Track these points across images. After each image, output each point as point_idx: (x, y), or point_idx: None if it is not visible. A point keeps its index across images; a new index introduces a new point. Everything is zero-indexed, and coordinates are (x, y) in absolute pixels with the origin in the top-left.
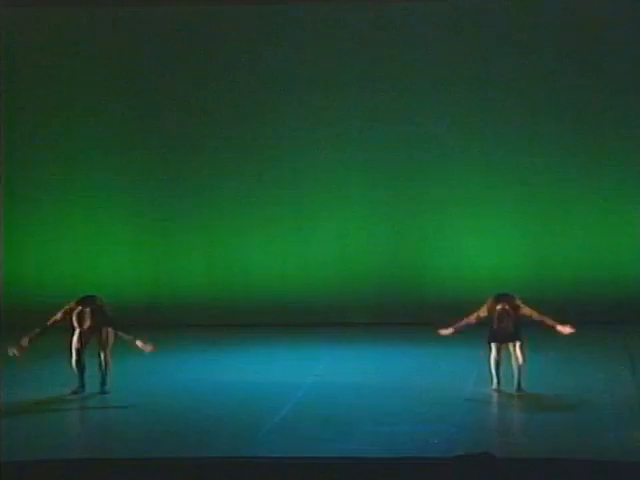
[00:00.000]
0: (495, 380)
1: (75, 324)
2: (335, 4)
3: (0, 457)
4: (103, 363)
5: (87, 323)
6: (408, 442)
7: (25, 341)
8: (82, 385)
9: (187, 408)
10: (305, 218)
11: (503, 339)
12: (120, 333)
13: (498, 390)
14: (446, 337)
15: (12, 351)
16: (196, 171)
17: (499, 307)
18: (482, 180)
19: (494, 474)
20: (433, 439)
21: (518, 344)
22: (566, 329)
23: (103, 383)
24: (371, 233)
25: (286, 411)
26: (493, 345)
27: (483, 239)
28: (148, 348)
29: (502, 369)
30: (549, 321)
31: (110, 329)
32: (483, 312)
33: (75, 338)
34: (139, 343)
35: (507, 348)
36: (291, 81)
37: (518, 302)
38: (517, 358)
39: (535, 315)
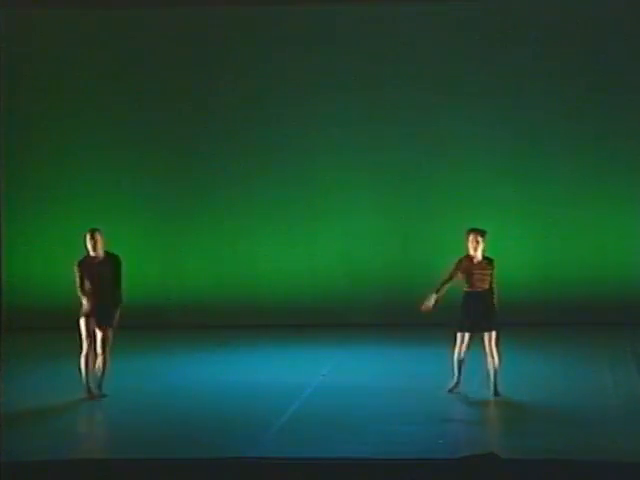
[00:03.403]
0: (455, 379)
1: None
2: (342, 5)
3: (0, 457)
4: (101, 364)
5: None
6: (414, 443)
7: None
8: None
9: (194, 409)
10: (313, 219)
11: (475, 325)
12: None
13: (455, 390)
14: (452, 336)
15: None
16: (204, 172)
17: (471, 244)
18: (489, 181)
19: (499, 475)
20: (438, 440)
21: (494, 335)
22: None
23: (100, 386)
24: (378, 235)
25: (293, 412)
26: (460, 335)
27: (490, 240)
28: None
29: (464, 367)
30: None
31: (111, 329)
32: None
33: (83, 327)
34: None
35: (481, 341)
36: (299, 82)
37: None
38: (492, 356)
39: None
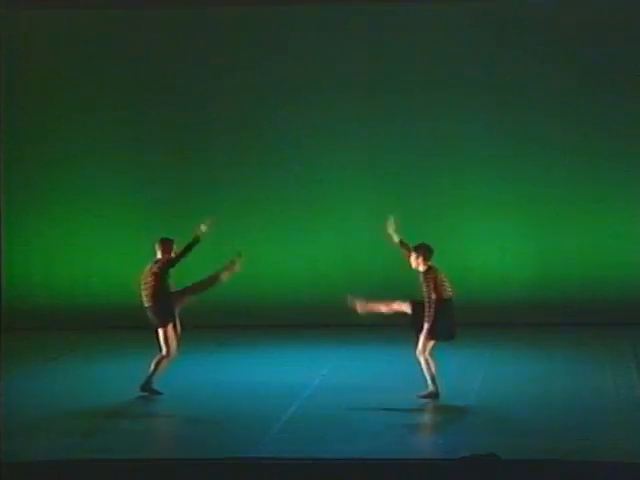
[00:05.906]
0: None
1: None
2: (341, 5)
3: (0, 457)
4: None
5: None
6: (413, 443)
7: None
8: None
9: (194, 409)
10: (313, 219)
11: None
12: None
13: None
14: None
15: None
16: (203, 172)
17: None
18: (487, 181)
19: (499, 476)
20: (439, 440)
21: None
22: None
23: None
24: (377, 234)
25: (293, 412)
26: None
27: (488, 240)
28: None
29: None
30: None
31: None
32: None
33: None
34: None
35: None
36: (298, 83)
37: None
38: (430, 362)
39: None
